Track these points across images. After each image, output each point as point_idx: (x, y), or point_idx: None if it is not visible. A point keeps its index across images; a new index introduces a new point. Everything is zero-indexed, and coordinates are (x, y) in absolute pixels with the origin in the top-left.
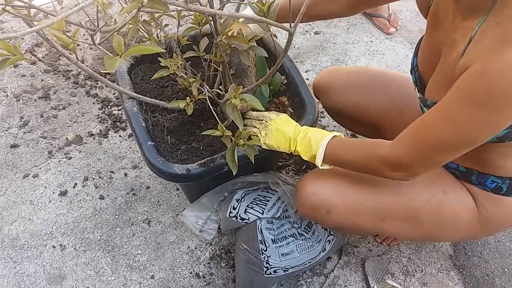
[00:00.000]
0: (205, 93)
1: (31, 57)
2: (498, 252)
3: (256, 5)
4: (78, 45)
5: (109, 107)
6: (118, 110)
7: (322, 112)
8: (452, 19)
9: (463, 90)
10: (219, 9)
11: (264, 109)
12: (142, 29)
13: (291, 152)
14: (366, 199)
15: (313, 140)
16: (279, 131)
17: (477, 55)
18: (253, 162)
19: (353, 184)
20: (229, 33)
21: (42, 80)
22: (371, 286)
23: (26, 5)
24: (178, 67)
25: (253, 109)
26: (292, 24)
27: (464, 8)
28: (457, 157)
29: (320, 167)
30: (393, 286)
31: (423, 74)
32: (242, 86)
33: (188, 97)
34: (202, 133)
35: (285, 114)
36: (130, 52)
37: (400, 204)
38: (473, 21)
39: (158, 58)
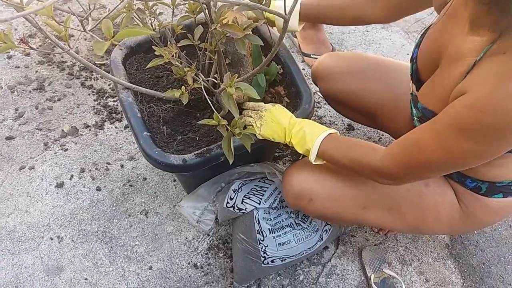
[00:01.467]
0: (200, 82)
1: (22, 45)
2: (494, 241)
3: None
4: (72, 35)
5: (104, 98)
6: (113, 101)
7: (318, 102)
8: (464, 25)
9: (455, 118)
10: None
11: (259, 98)
12: (136, 18)
13: (286, 143)
14: (348, 188)
15: (308, 135)
16: (274, 121)
17: (475, 84)
18: (249, 151)
19: (335, 173)
20: (224, 22)
21: (36, 71)
22: (368, 275)
23: None
24: (172, 55)
25: (250, 100)
26: (287, 11)
27: (470, 20)
28: None
29: (314, 162)
30: (390, 275)
31: (420, 69)
32: (238, 76)
33: (183, 86)
34: (198, 123)
35: (280, 105)
36: (120, 36)
37: (380, 193)
38: (481, 38)
39: (153, 47)
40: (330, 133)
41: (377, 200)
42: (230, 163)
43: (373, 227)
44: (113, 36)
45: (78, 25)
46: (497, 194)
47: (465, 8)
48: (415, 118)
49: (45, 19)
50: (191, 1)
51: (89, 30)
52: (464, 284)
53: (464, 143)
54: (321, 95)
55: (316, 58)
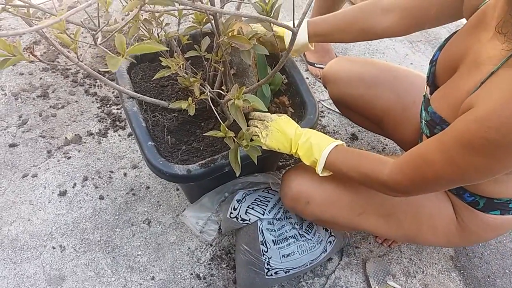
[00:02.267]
0: (207, 93)
1: (29, 56)
2: (499, 253)
3: (259, 4)
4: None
5: (108, 106)
6: (117, 109)
7: (322, 112)
8: (490, 30)
9: (462, 132)
10: (220, 8)
11: (267, 110)
12: (143, 28)
13: (292, 154)
14: (345, 193)
15: (315, 147)
16: (279, 132)
17: (486, 96)
18: (256, 163)
19: (333, 178)
20: (231, 33)
21: (40, 78)
22: (372, 287)
23: (26, 4)
24: (179, 67)
25: (255, 110)
26: (296, 24)
27: (496, 24)
28: None
29: (321, 174)
30: (394, 287)
31: (438, 73)
32: (243, 86)
33: (190, 98)
34: (204, 134)
35: (286, 115)
36: (132, 51)
37: (377, 200)
38: (504, 45)
39: (159, 57)
40: (337, 145)
41: (373, 206)
42: (237, 175)
43: (377, 238)
44: (125, 51)
45: (83, 33)
46: (494, 211)
47: (493, 10)
48: (423, 121)
49: (56, 33)
50: (198, 12)
51: (99, 44)
52: None
53: (471, 158)
54: (324, 104)
55: (321, 67)
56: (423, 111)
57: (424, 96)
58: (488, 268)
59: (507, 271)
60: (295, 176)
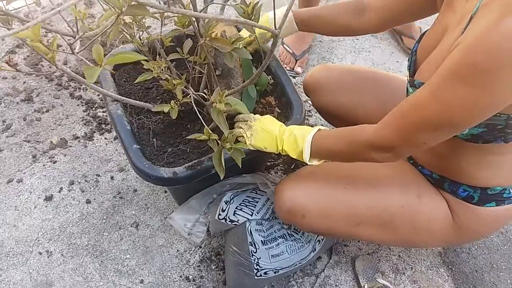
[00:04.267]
0: (190, 96)
1: (6, 64)
2: (487, 248)
3: (240, 7)
4: (60, 45)
5: (93, 109)
6: (103, 112)
7: (309, 111)
8: (462, 1)
9: (449, 66)
10: (202, 10)
11: (249, 112)
12: (124, 31)
13: (279, 152)
14: (341, 204)
15: (299, 136)
16: (264, 130)
17: (472, 32)
18: (240, 166)
19: (328, 189)
20: (213, 35)
21: (24, 82)
22: (362, 285)
23: (1, 13)
24: (161, 70)
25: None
26: (277, 26)
27: None
28: (431, 164)
29: (309, 163)
30: (383, 284)
31: (419, 58)
32: (227, 88)
33: (172, 101)
34: (187, 137)
35: (269, 115)
36: (111, 61)
37: (374, 210)
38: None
39: (141, 60)
40: (320, 129)
41: (371, 216)
42: (221, 178)
43: None
44: (103, 62)
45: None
46: (490, 203)
47: None
48: None
49: (31, 42)
50: (181, 15)
51: (77, 53)
52: None
53: (459, 89)
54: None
55: (290, 51)
56: (409, 88)
57: (408, 80)
58: (476, 263)
59: (494, 265)
60: (289, 189)
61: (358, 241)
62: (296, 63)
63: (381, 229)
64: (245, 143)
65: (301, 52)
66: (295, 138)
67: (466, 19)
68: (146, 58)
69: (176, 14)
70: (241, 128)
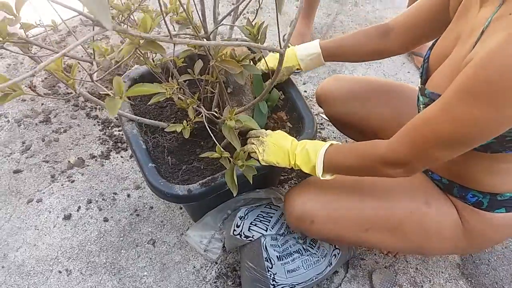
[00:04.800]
0: (203, 115)
1: (29, 89)
2: (506, 259)
3: (246, 28)
4: (79, 70)
5: (109, 128)
6: (119, 130)
7: (321, 123)
8: (476, 8)
9: (462, 82)
10: (212, 31)
11: (260, 128)
12: (138, 53)
13: (292, 167)
14: (349, 210)
15: (311, 151)
16: (276, 145)
17: (481, 50)
18: (251, 183)
19: (337, 195)
20: (222, 57)
21: (42, 104)
22: None
23: (23, 40)
24: (174, 91)
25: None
26: (282, 45)
27: None
28: (440, 169)
29: (322, 178)
30: None
31: (431, 65)
32: (239, 105)
33: (185, 121)
34: (200, 156)
35: (281, 130)
36: (131, 93)
37: (382, 215)
38: (490, 8)
39: (155, 83)
40: (332, 143)
41: (379, 222)
42: (234, 195)
43: (382, 249)
44: (123, 93)
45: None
46: (500, 209)
47: None
48: (421, 106)
49: (52, 71)
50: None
51: (96, 81)
52: None
53: (471, 108)
54: (323, 117)
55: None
56: (420, 97)
57: (418, 87)
58: (496, 275)
59: None
60: (298, 195)
61: (375, 254)
62: None
63: (390, 234)
64: (258, 159)
65: None
66: (308, 153)
67: (477, 32)
68: (163, 91)
69: (190, 45)
70: (253, 144)
